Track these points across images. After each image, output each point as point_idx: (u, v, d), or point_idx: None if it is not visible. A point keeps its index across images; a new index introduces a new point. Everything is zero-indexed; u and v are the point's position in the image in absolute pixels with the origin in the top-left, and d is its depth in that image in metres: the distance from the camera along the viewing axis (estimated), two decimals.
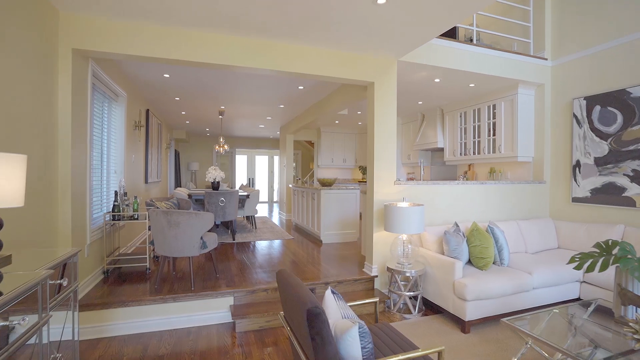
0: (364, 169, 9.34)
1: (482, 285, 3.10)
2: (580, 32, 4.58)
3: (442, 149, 6.75)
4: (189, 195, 5.84)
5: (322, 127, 9.17)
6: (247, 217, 7.34)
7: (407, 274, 3.40)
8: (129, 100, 4.82)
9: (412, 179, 7.75)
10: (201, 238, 3.35)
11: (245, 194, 6.22)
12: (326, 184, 5.89)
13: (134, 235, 5.24)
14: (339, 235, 5.73)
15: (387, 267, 3.56)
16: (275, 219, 8.78)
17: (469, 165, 6.22)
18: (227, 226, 6.81)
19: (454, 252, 3.42)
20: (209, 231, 4.19)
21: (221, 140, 7.11)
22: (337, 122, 8.39)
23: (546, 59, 4.89)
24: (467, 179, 6.11)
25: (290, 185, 7.50)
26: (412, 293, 3.44)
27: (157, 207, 4.36)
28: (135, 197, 3.76)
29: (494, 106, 5.40)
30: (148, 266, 3.78)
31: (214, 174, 6.59)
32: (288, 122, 8.57)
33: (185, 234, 3.21)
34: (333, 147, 9.27)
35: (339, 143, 9.34)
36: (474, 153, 5.79)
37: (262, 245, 5.45)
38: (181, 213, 3.18)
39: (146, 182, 5.85)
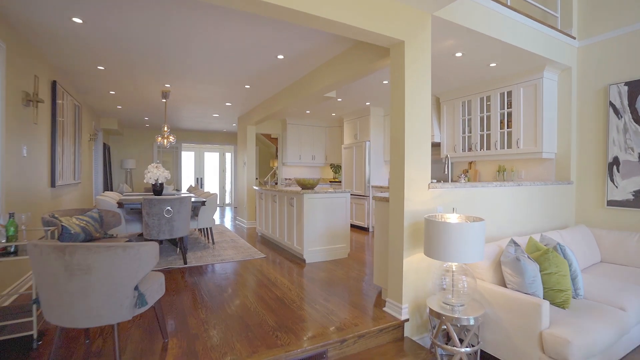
0: (335, 167, 8.15)
1: (588, 337, 2.04)
2: (618, 5, 3.82)
3: (438, 144, 5.78)
4: (120, 204, 4.14)
5: (289, 119, 7.81)
6: (202, 229, 5.74)
7: (464, 322, 2.25)
8: (10, 57, 3.05)
9: None
10: (136, 288, 1.86)
11: (201, 200, 4.66)
12: (307, 185, 4.57)
13: (16, 275, 3.22)
14: (327, 252, 4.45)
15: (430, 309, 2.38)
16: (231, 226, 7.22)
17: (470, 163, 5.31)
18: (175, 242, 5.16)
19: (532, 285, 2.34)
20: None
21: (166, 129, 5.42)
22: (308, 112, 7.09)
23: (574, 38, 4.08)
24: (468, 179, 5.20)
25: (255, 188, 6.04)
26: (470, 349, 2.29)
27: (64, 227, 2.71)
28: (11, 216, 2.10)
29: (509, 93, 4.50)
30: (35, 335, 2.15)
31: (155, 173, 4.92)
32: (250, 110, 7.06)
33: (102, 288, 1.70)
34: (300, 142, 7.95)
35: (307, 137, 8.03)
36: (481, 148, 4.87)
37: (226, 269, 3.97)
38: (93, 250, 1.67)
39: (52, 185, 4.03)
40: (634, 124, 3.68)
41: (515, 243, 2.64)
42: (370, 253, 4.81)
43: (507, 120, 4.51)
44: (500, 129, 4.58)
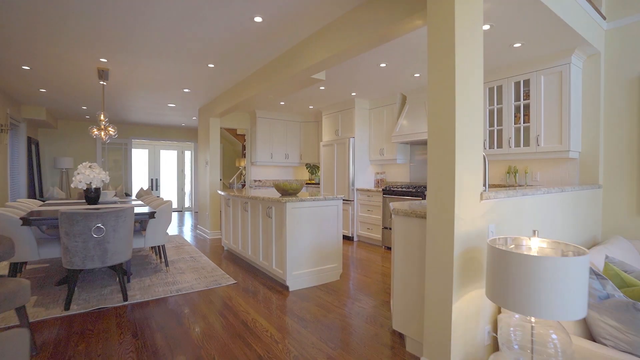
0: (312, 168, 7.22)
1: None
2: None
3: None
4: (25, 220, 2.89)
5: (260, 111, 6.75)
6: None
7: None
8: None
9: (382, 182, 5.93)
10: None
11: (148, 211, 3.51)
12: (289, 191, 3.60)
13: None
14: (315, 275, 3.51)
15: None
16: (191, 237, 6.05)
17: None
18: (114, 268, 3.94)
19: None
20: None
21: (102, 118, 4.15)
22: (282, 103, 6.09)
23: (604, 18, 3.49)
24: None
25: (220, 193, 4.94)
26: None
27: None
28: None
29: (526, 82, 3.83)
30: None
31: (88, 175, 3.72)
32: (214, 100, 5.92)
33: None
34: (272, 139, 6.92)
35: (280, 133, 7.02)
36: (490, 147, 4.17)
37: (183, 306, 2.90)
38: None
39: None
40: None
41: (598, 275, 1.88)
42: (364, 271, 3.95)
43: (524, 114, 3.84)
44: (516, 123, 3.90)
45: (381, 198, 5.22)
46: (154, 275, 3.72)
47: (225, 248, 5.06)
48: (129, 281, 3.48)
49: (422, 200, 2.93)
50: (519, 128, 3.87)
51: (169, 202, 3.84)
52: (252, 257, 4.01)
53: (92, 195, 3.87)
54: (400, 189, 4.87)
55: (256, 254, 3.91)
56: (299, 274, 3.38)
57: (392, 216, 2.43)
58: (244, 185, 8.34)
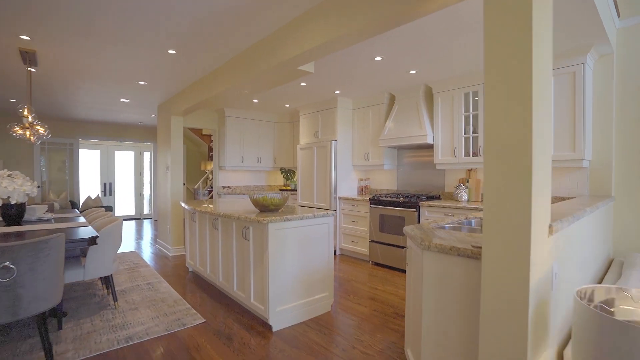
0: (287, 173, 6.55)
1: None
2: None
3: (429, 146, 4.59)
4: None
5: (229, 110, 5.98)
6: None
7: None
8: None
9: (366, 190, 5.41)
10: None
11: (87, 236, 2.67)
12: (270, 207, 2.94)
13: None
14: (304, 309, 2.87)
15: None
16: (149, 254, 5.18)
17: (468, 171, 4.21)
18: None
19: None
20: None
21: (27, 114, 3.20)
22: (255, 100, 5.38)
23: (619, 16, 3.17)
24: (468, 190, 4.09)
25: (183, 206, 4.15)
26: None
27: None
28: None
29: None
30: None
31: (6, 187, 2.86)
32: (176, 95, 5.09)
33: None
34: (243, 140, 6.18)
35: (251, 134, 6.29)
36: None
37: None
38: None
39: None
40: None
41: None
42: (356, 297, 3.37)
43: None
44: None
45: (368, 208, 4.68)
46: (97, 315, 2.90)
47: (190, 269, 4.28)
48: (60, 327, 2.65)
49: (452, 227, 2.39)
50: None
51: (118, 221, 3.03)
52: (224, 285, 3.30)
53: (12, 213, 2.97)
54: (389, 199, 4.36)
55: (229, 281, 3.21)
56: (284, 310, 2.73)
57: (414, 247, 1.85)
58: (210, 192, 7.50)
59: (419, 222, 4.04)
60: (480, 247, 1.50)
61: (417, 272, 1.85)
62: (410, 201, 4.10)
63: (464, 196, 4.01)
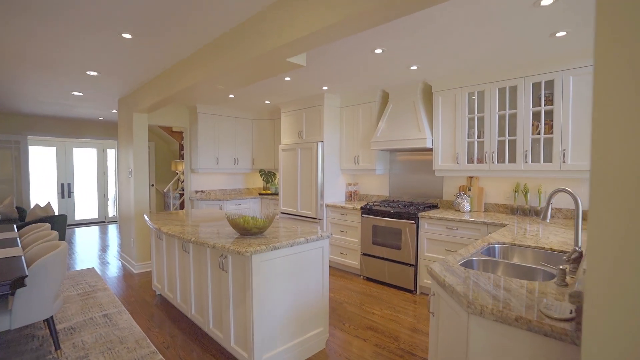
0: (267, 175, 5.97)
1: None
2: None
3: (426, 150, 4.17)
4: None
5: (202, 106, 5.31)
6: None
7: None
8: None
9: (355, 196, 4.94)
10: None
11: (13, 275, 2.03)
12: (253, 230, 2.39)
13: None
14: (295, 351, 2.37)
15: None
16: (111, 271, 4.49)
17: (469, 179, 3.83)
18: None
19: None
20: None
21: None
22: (232, 96, 4.76)
23: None
24: (470, 200, 3.71)
25: (148, 222, 3.48)
26: None
27: None
28: None
29: (549, 84, 3.07)
30: None
31: None
32: (139, 89, 4.37)
33: None
34: (218, 140, 5.54)
35: (227, 134, 5.65)
36: (499, 161, 3.39)
37: None
38: None
39: None
40: None
41: None
42: (352, 324, 2.92)
43: (544, 123, 3.09)
44: (533, 134, 3.14)
45: (359, 217, 4.23)
46: None
47: (158, 293, 3.66)
48: None
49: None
50: (539, 140, 3.12)
51: (61, 249, 2.38)
52: (198, 320, 2.74)
53: None
54: (384, 208, 3.92)
55: (204, 316, 2.65)
56: (273, 356, 2.22)
57: (450, 302, 1.35)
58: (182, 195, 6.79)
59: (417, 234, 3.62)
60: (567, 319, 1.06)
61: (455, 337, 1.39)
62: (408, 212, 3.67)
63: (466, 206, 3.63)
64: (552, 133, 3.01)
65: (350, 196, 4.93)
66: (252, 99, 4.94)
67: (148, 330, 2.84)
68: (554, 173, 3.00)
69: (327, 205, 4.64)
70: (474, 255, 1.96)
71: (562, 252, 1.98)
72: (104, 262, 4.93)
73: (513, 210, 3.45)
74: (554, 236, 2.36)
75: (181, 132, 7.69)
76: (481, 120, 3.49)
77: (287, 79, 3.78)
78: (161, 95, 3.69)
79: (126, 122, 4.69)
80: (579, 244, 1.63)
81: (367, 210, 4.10)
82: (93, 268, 4.63)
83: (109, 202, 8.83)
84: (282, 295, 2.27)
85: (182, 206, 6.72)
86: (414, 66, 3.30)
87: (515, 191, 3.43)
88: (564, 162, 2.94)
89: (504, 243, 2.23)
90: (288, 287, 2.31)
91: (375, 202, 4.33)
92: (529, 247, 2.13)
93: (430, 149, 3.96)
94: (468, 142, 3.58)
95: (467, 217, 3.28)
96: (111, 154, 8.81)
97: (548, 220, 1.86)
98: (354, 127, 4.64)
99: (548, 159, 3.10)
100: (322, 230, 4.61)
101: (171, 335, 2.77)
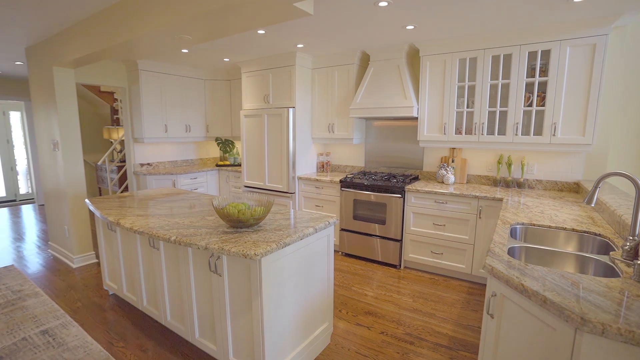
0: (224, 144, 5.27)
1: None
2: None
3: (407, 119, 3.92)
4: None
5: (144, 63, 4.31)
6: None
7: None
8: None
9: (328, 167, 4.58)
10: None
11: None
12: (251, 221, 1.92)
13: None
14: (304, 354, 2.06)
15: None
16: (39, 267, 3.63)
17: (452, 150, 3.71)
18: None
19: None
20: None
21: None
22: (185, 51, 3.91)
23: None
24: (454, 170, 3.61)
25: (90, 207, 2.73)
26: None
27: None
28: None
29: (545, 54, 2.94)
30: None
31: None
32: (57, 36, 3.29)
33: None
34: (165, 104, 4.64)
35: (175, 95, 4.76)
36: (489, 132, 3.28)
37: None
38: None
39: None
40: None
41: None
42: (350, 309, 2.70)
43: (537, 95, 3.00)
44: (525, 105, 3.05)
45: (338, 191, 3.91)
46: None
47: (112, 293, 3.01)
48: None
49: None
50: (531, 112, 3.03)
51: None
52: (178, 328, 2.25)
53: None
54: (366, 181, 3.65)
55: (186, 324, 2.17)
56: None
57: (549, 318, 1.12)
58: (120, 169, 5.75)
59: (403, 209, 3.45)
60: None
61: (543, 352, 1.18)
62: (394, 185, 3.45)
63: (451, 178, 3.52)
64: (544, 105, 2.94)
65: (322, 167, 4.56)
66: (209, 56, 4.12)
67: (110, 345, 2.27)
68: (543, 146, 2.97)
69: (299, 178, 4.23)
70: (510, 242, 1.78)
71: (585, 232, 1.90)
72: (24, 256, 3.97)
73: (496, 182, 3.44)
74: (560, 212, 2.32)
75: (112, 93, 6.37)
76: (472, 89, 3.30)
77: (261, 32, 3.12)
78: (96, 47, 2.78)
79: (42, 80, 3.58)
80: (637, 232, 1.51)
81: (347, 184, 3.80)
82: (12, 266, 3.66)
83: (18, 176, 7.23)
84: (290, 297, 1.90)
85: (121, 182, 5.71)
86: (411, 26, 2.90)
87: (499, 163, 3.39)
88: (554, 135, 2.91)
89: (522, 223, 2.10)
90: (296, 286, 1.94)
91: (352, 174, 4.04)
92: (549, 227, 2.03)
93: (415, 118, 3.72)
94: (457, 112, 3.39)
95: (455, 191, 3.16)
96: (16, 117, 7.07)
97: (593, 205, 1.73)
98: (328, 92, 4.17)
99: (538, 131, 3.05)
100: (295, 205, 4.26)
101: (142, 348, 2.26)
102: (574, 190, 3.13)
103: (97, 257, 3.83)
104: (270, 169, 4.33)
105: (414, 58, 3.80)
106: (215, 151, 5.77)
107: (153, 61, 4.35)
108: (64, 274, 3.41)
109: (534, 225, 2.07)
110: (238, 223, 1.92)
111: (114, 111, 6.51)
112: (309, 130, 4.36)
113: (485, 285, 3.16)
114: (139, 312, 2.68)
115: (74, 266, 3.58)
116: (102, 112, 6.80)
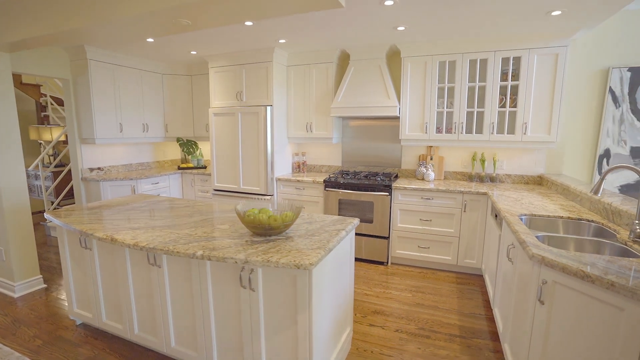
0: (187, 145, 4.79)
1: None
2: None
3: (396, 119, 3.98)
4: None
5: (93, 51, 3.69)
6: None
7: None
8: None
9: (304, 167, 4.45)
10: None
11: None
12: (281, 227, 1.74)
13: None
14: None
15: None
16: None
17: (429, 148, 3.87)
18: None
19: None
20: None
21: None
22: (151, 40, 3.44)
23: None
24: (433, 167, 3.77)
25: (56, 222, 2.22)
26: None
27: None
28: None
29: (516, 60, 3.23)
30: None
31: None
32: None
33: None
34: (120, 99, 4.04)
35: (132, 90, 4.18)
36: (468, 131, 3.49)
37: None
38: None
39: None
40: (631, 115, 3.24)
41: None
42: (358, 313, 2.64)
43: (509, 97, 3.28)
44: (499, 107, 3.32)
45: (321, 192, 3.83)
46: None
47: (80, 322, 2.50)
48: None
49: None
50: (505, 113, 3.31)
51: None
52: (186, 353, 1.94)
53: None
54: (352, 181, 3.62)
55: (199, 349, 1.88)
56: None
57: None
58: (57, 175, 4.86)
59: (390, 207, 3.51)
60: None
61: (606, 340, 1.26)
62: (381, 184, 3.49)
63: (432, 175, 3.68)
64: (516, 107, 3.23)
65: (299, 167, 4.42)
66: (174, 47, 3.70)
67: None
68: (515, 144, 3.26)
69: (278, 179, 4.04)
70: (533, 232, 1.90)
71: (579, 219, 2.11)
72: None
73: (471, 178, 3.68)
74: (544, 203, 2.56)
75: (38, 86, 5.34)
76: (451, 90, 3.49)
77: (249, 23, 2.89)
78: (47, 28, 2.28)
79: None
80: None
81: (331, 184, 3.73)
82: None
83: None
84: (327, 305, 1.77)
85: (58, 191, 4.84)
86: (402, 27, 2.95)
87: (474, 160, 3.64)
88: (525, 134, 3.22)
89: (525, 215, 2.27)
90: (330, 293, 1.82)
91: (335, 173, 3.99)
92: (549, 217, 2.23)
93: (396, 117, 3.80)
94: (437, 112, 3.56)
95: (437, 187, 3.31)
96: None
97: (599, 195, 1.93)
98: (305, 90, 4.05)
99: (511, 130, 3.35)
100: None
101: None
102: (537, 182, 3.51)
103: (45, 281, 3.17)
104: (245, 171, 4.06)
105: (392, 58, 3.88)
106: (173, 153, 5.22)
107: (104, 50, 3.75)
108: (5, 307, 2.74)
109: (534, 215, 2.25)
110: (269, 230, 1.73)
111: (41, 107, 5.47)
112: (285, 130, 4.19)
113: (471, 274, 3.36)
114: (126, 343, 2.26)
115: (16, 295, 2.90)
116: (25, 108, 5.66)
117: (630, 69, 3.17)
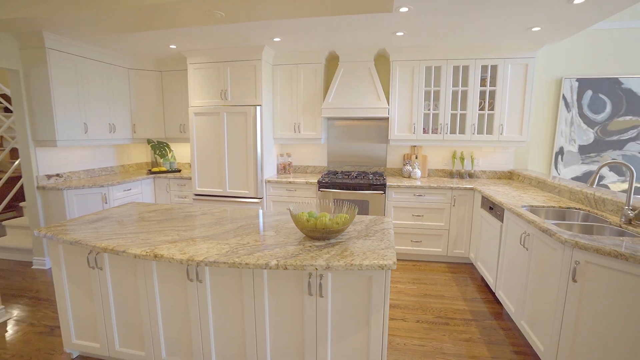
0: (159, 147, 4.36)
1: None
2: None
3: (385, 120, 4.08)
4: None
5: (53, 38, 3.15)
6: None
7: None
8: None
9: (290, 168, 4.37)
10: None
11: None
12: (337, 228, 1.71)
13: None
14: None
15: None
16: None
17: (413, 147, 4.09)
18: None
19: None
20: None
21: None
22: (135, 34, 3.07)
23: None
24: (419, 165, 4.00)
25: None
26: None
27: None
28: None
29: (493, 68, 3.59)
30: None
31: None
32: None
33: None
34: (83, 96, 3.52)
35: (97, 86, 3.67)
36: (452, 132, 3.77)
37: None
38: None
39: None
40: (579, 118, 3.82)
41: None
42: None
43: (488, 101, 3.63)
44: (479, 109, 3.65)
45: (315, 192, 3.81)
46: None
47: (76, 355, 2.14)
48: None
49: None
50: (484, 115, 3.65)
51: None
52: None
53: None
54: (348, 181, 3.68)
55: None
56: None
57: None
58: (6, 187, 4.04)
59: (385, 205, 3.64)
60: None
61: None
62: (376, 182, 3.60)
63: (418, 173, 3.90)
64: (493, 110, 3.59)
65: (284, 169, 4.33)
66: (152, 40, 3.35)
67: None
68: (493, 143, 3.63)
69: (268, 181, 3.92)
70: (553, 221, 2.15)
71: (568, 208, 2.45)
72: None
73: (452, 174, 3.99)
74: (529, 195, 2.90)
75: None
76: (437, 93, 3.73)
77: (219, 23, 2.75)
78: (7, 12, 1.91)
79: None
80: (631, 204, 2.06)
81: (325, 184, 3.74)
82: None
83: None
84: None
85: None
86: (400, 32, 3.08)
87: (454, 158, 3.95)
88: (501, 134, 3.59)
89: (524, 206, 2.55)
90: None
91: (325, 174, 4.00)
92: (542, 207, 2.54)
93: (381, 118, 3.94)
94: (424, 114, 3.78)
95: (430, 184, 3.54)
96: None
97: (594, 187, 2.26)
98: (293, 90, 3.98)
99: (490, 131, 3.70)
100: (264, 210, 3.92)
101: None
102: (508, 177, 3.94)
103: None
104: (232, 174, 3.86)
105: (379, 60, 4.01)
106: (139, 156, 4.71)
107: (65, 38, 3.24)
108: None
109: (533, 206, 2.54)
110: (329, 234, 1.69)
111: None
112: (271, 130, 4.08)
113: (460, 263, 3.65)
114: None
115: None
116: None
117: (578, 79, 3.74)
